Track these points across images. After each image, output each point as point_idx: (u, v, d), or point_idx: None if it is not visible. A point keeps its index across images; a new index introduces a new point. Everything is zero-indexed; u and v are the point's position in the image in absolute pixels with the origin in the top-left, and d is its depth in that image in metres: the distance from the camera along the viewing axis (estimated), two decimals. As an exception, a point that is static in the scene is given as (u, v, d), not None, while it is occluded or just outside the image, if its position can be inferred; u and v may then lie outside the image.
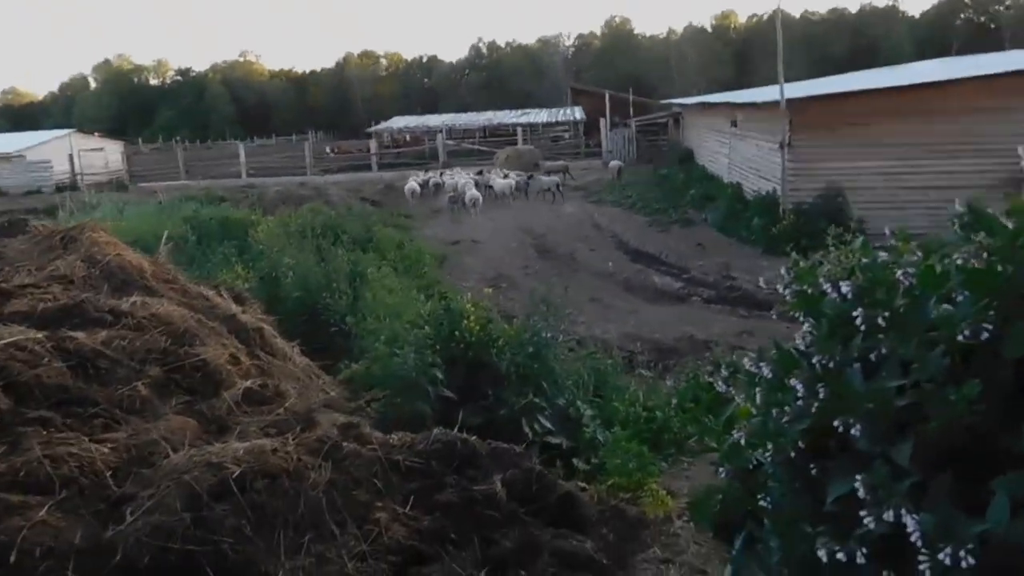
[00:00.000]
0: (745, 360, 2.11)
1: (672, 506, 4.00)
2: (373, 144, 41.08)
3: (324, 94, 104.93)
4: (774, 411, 1.89)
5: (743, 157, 20.18)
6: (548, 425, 5.07)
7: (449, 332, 5.76)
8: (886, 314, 1.71)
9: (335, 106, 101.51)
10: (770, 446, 1.90)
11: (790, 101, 15.17)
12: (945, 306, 1.63)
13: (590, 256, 16.68)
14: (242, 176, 37.46)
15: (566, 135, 44.69)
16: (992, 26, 71.02)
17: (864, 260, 1.87)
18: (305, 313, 8.93)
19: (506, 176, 25.51)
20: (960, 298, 1.60)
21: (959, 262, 1.62)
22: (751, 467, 2.07)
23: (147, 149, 67.01)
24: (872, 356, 1.72)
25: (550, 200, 24.13)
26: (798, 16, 79.25)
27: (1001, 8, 73.33)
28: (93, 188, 32.98)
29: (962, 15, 76.15)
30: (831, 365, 1.78)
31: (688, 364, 9.44)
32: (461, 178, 25.01)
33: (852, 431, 1.64)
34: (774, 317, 12.39)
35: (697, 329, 10.74)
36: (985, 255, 1.59)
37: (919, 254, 1.81)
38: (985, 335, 1.52)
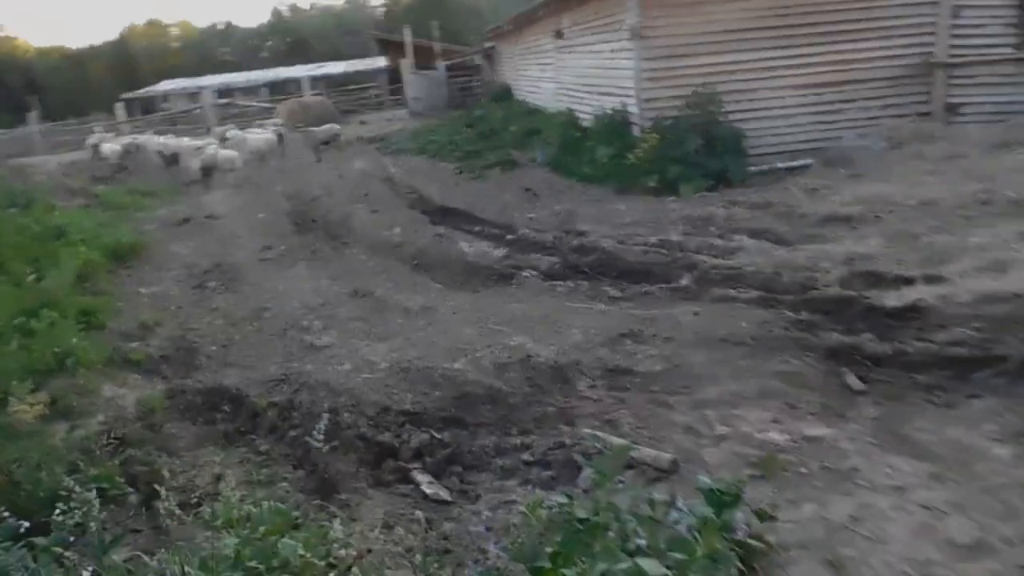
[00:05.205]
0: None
1: None
2: (120, 110, 32.35)
3: (106, 71, 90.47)
4: None
5: (574, 75, 15.32)
6: None
7: None
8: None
9: (121, 83, 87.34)
10: None
11: (637, -34, 10.32)
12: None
13: (372, 221, 11.08)
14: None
15: (368, 86, 38.47)
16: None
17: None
18: None
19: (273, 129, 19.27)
20: None
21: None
22: None
23: None
24: None
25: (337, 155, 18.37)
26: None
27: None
28: None
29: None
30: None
31: (532, 434, 4.26)
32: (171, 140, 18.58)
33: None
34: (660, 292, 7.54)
35: (538, 338, 5.58)
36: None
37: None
38: None
